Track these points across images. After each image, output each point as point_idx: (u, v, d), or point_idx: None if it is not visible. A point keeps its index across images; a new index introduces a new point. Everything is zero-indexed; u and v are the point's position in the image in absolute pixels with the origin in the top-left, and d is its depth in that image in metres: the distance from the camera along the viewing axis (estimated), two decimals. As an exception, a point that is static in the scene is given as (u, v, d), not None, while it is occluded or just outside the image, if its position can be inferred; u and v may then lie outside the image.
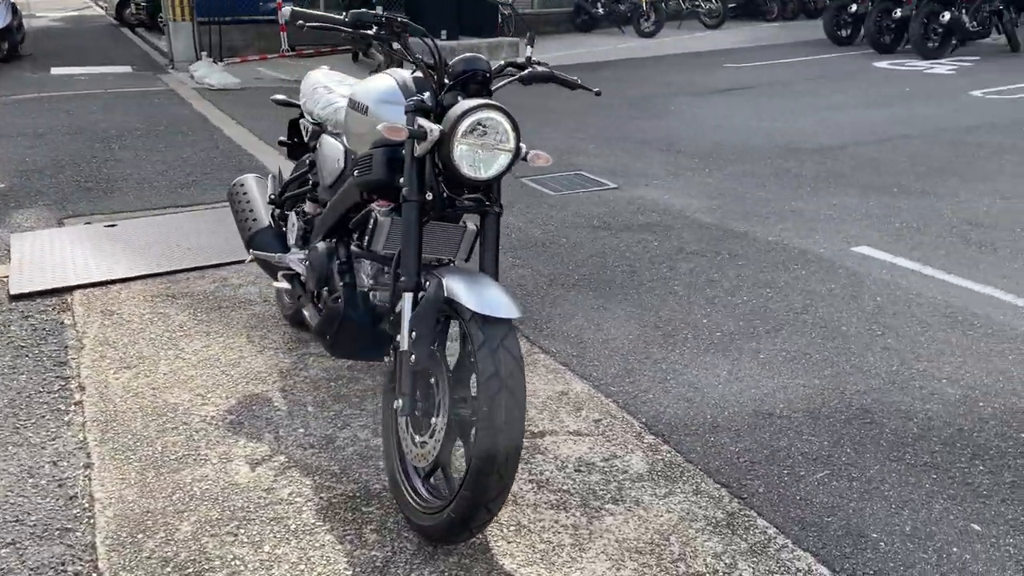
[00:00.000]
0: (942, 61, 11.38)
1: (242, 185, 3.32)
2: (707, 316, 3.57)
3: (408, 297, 2.12)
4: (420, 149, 2.08)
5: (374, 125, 2.16)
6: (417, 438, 2.15)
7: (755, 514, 2.32)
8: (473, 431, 1.99)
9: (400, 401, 2.10)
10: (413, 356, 2.06)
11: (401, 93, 2.25)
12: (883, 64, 11.19)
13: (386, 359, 2.32)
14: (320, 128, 2.86)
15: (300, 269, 2.81)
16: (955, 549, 2.21)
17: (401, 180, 2.14)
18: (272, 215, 3.19)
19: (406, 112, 2.13)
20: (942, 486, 2.47)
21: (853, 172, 5.94)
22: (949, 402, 2.92)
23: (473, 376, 2.01)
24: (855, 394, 2.97)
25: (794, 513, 2.33)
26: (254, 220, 3.16)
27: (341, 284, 2.46)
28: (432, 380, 2.11)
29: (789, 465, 2.55)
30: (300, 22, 2.17)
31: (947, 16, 11.39)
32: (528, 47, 2.34)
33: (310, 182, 2.97)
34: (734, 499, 2.38)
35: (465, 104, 2.04)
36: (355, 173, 2.35)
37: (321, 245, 2.55)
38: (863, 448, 2.64)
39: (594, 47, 13.66)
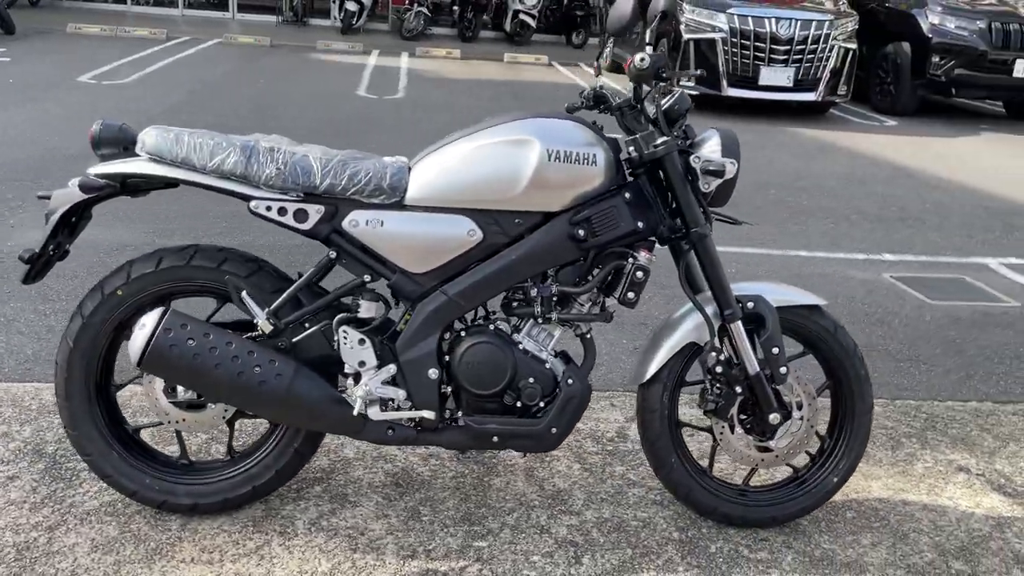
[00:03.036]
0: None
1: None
2: None
3: (739, 324, 2.23)
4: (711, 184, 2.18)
5: (587, 175, 2.13)
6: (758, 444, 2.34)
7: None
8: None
9: (777, 415, 2.27)
10: (771, 371, 2.25)
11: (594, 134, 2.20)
12: None
13: None
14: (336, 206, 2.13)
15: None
16: None
17: (639, 224, 2.16)
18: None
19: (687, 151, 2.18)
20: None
21: None
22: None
23: None
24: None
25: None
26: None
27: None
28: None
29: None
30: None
31: None
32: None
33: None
34: None
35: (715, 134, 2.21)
36: (583, 232, 2.14)
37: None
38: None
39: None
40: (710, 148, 2.22)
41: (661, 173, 2.22)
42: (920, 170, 7.46)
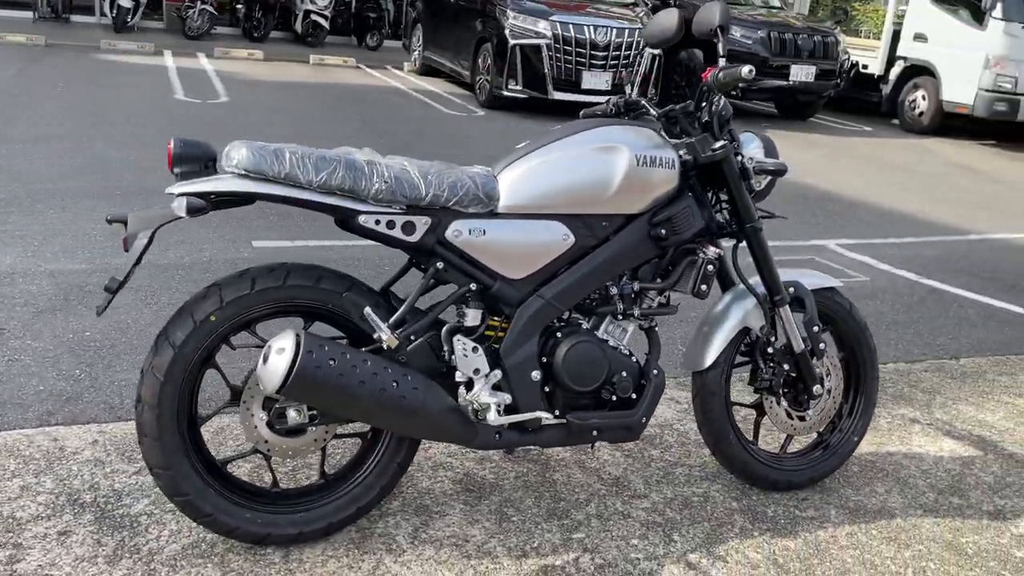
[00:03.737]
0: None
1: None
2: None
3: (787, 308, 2.51)
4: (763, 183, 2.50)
5: (666, 178, 2.32)
6: (795, 414, 2.65)
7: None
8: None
9: (819, 387, 2.60)
10: (812, 348, 2.55)
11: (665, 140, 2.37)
12: None
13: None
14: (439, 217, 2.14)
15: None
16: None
17: (704, 222, 2.40)
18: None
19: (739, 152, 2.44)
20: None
21: None
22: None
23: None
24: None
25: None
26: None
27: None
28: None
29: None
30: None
31: None
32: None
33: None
34: None
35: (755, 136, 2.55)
36: (663, 231, 2.31)
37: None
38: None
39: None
40: (755, 150, 2.49)
41: (706, 174, 2.44)
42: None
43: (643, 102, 2.58)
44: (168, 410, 2.04)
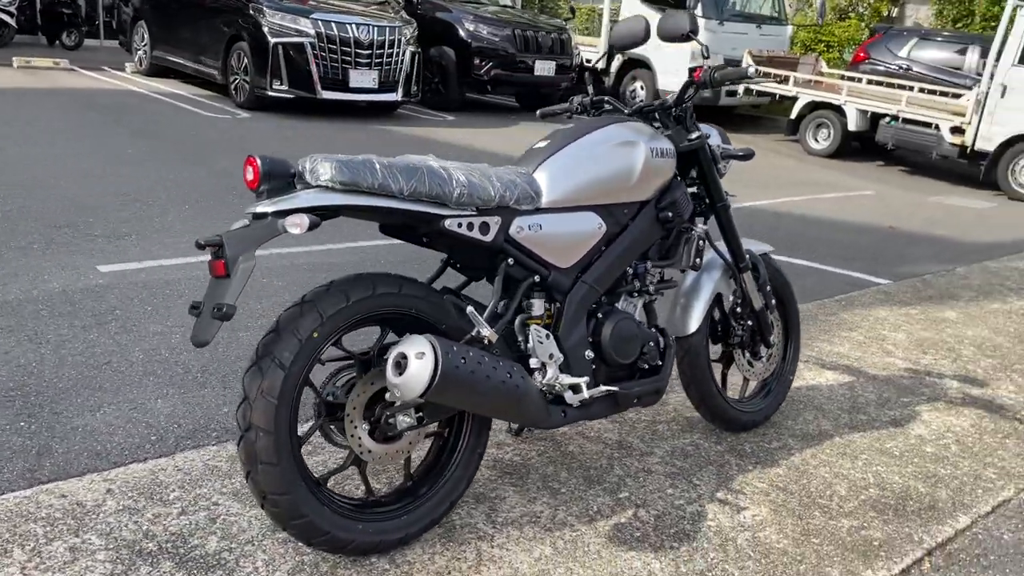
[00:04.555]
0: None
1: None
2: None
3: (749, 273, 2.93)
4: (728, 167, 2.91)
5: (669, 167, 2.65)
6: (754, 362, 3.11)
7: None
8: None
9: (775, 336, 3.11)
10: (766, 304, 3.01)
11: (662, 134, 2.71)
12: None
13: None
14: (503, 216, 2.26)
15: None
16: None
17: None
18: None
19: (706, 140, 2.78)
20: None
21: None
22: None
23: None
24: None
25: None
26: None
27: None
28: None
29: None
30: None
31: None
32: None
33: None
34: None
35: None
36: (670, 214, 2.63)
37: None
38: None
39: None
40: (716, 138, 2.88)
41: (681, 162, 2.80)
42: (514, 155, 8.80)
43: (607, 100, 2.86)
44: (284, 433, 1.99)
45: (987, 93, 9.61)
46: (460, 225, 2.18)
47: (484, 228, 2.23)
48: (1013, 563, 2.49)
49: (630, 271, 2.65)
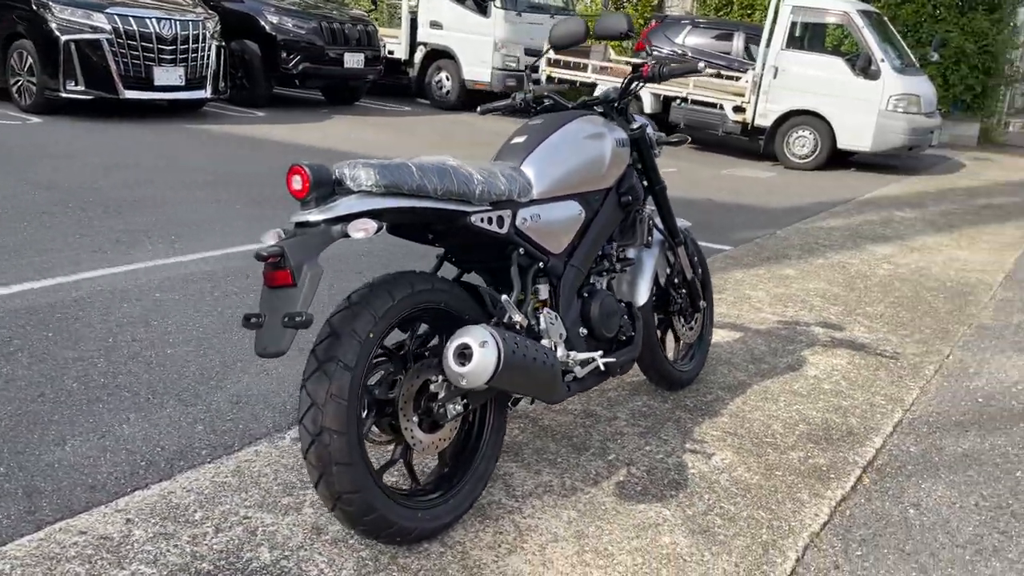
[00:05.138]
0: None
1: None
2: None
3: (683, 247, 3.29)
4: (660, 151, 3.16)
5: (626, 155, 2.90)
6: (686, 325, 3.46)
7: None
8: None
9: (704, 302, 3.48)
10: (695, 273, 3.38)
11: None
12: None
13: None
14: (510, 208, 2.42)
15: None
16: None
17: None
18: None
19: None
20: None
21: None
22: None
23: None
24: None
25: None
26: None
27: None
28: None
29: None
30: None
31: None
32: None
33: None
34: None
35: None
36: (629, 198, 2.89)
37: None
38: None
39: None
40: (650, 128, 3.17)
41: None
42: (352, 150, 8.74)
43: (548, 95, 3.06)
44: (354, 433, 2.04)
45: (762, 75, 10.77)
46: (482, 220, 2.30)
47: (500, 221, 2.37)
48: (926, 470, 3.01)
49: (600, 252, 2.88)
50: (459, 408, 2.25)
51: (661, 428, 3.11)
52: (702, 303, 3.45)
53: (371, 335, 2.07)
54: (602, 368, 2.60)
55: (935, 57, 12.37)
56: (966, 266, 6.08)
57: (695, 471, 2.81)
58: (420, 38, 13.22)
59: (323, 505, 2.16)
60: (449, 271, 2.55)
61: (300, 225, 2.01)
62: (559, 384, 2.46)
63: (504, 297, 2.35)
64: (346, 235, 1.98)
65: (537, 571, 2.23)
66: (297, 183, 1.98)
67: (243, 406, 3.01)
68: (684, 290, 3.35)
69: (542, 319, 2.51)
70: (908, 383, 3.76)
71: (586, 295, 2.74)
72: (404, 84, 13.65)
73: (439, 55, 13.09)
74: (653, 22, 13.99)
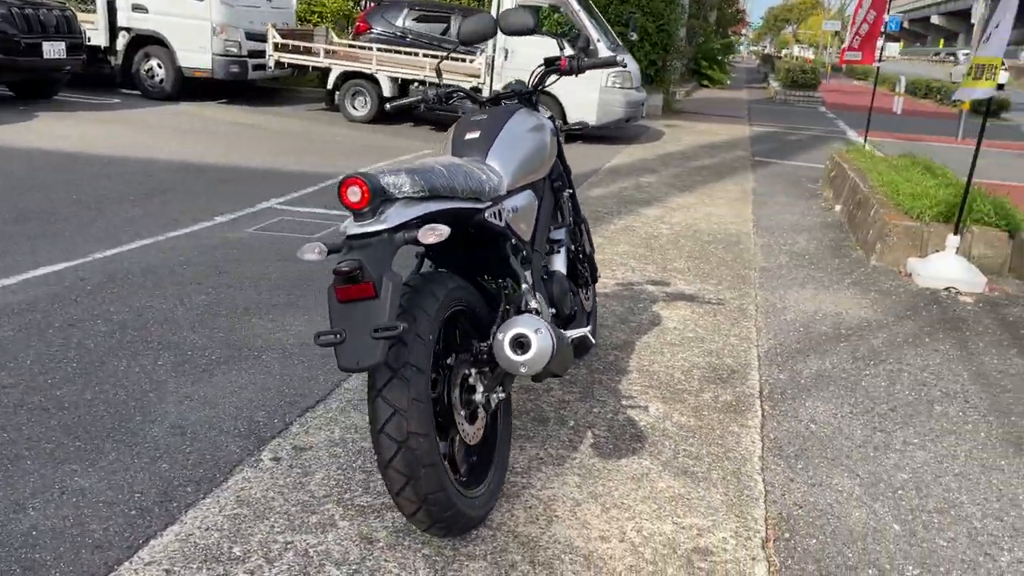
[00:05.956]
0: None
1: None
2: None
3: (583, 226, 3.55)
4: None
5: (556, 144, 3.05)
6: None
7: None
8: None
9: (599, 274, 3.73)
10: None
11: None
12: None
13: None
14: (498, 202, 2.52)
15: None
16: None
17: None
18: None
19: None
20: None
21: None
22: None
23: None
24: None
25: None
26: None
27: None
28: None
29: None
30: None
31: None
32: None
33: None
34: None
35: None
36: (560, 183, 3.11)
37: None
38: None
39: None
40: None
41: None
42: (105, 153, 7.86)
43: (457, 91, 3.16)
44: (434, 435, 2.05)
45: (494, 57, 11.31)
46: (490, 215, 2.39)
47: (499, 215, 2.46)
48: (801, 392, 3.59)
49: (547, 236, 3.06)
50: (502, 396, 2.34)
51: (592, 390, 3.38)
52: (597, 274, 3.75)
53: (431, 336, 2.10)
54: (592, 342, 2.80)
55: (634, 36, 13.77)
56: (722, 220, 7.03)
57: (644, 423, 3.13)
58: (121, 23, 12.06)
59: (402, 512, 2.14)
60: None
61: (355, 237, 1.97)
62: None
63: (525, 286, 2.46)
64: (415, 241, 1.99)
65: (582, 534, 2.40)
66: (355, 195, 1.94)
67: (190, 436, 2.79)
68: (587, 263, 3.62)
69: (536, 304, 2.65)
70: (744, 323, 4.38)
71: (545, 277, 2.92)
72: (106, 74, 12.40)
73: (146, 41, 12.07)
74: (371, 4, 13.99)
